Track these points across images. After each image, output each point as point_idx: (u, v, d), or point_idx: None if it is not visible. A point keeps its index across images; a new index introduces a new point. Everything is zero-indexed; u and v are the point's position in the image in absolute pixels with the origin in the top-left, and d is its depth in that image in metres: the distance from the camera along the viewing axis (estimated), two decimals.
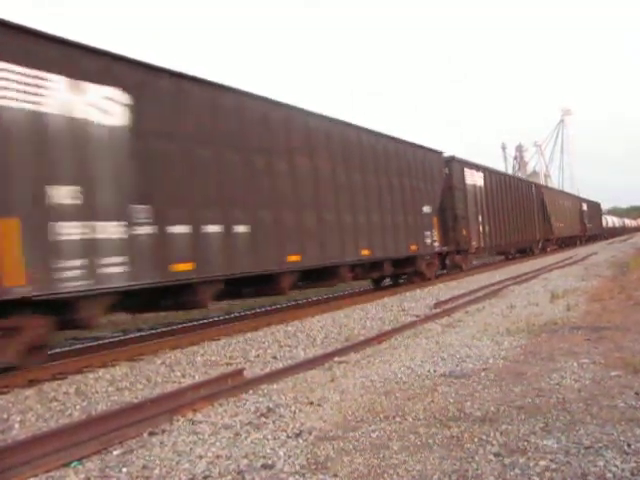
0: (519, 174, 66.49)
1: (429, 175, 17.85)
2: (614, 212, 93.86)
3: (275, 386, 5.96)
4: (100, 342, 10.05)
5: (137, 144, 8.07)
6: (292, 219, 11.21)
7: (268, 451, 4.04)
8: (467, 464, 3.55)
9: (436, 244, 17.84)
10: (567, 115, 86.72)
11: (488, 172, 24.37)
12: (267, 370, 6.84)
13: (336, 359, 7.11)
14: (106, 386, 6.75)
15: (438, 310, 11.24)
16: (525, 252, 30.84)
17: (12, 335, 6.72)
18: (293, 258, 11.19)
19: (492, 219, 23.30)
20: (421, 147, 17.86)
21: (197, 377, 6.89)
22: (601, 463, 3.40)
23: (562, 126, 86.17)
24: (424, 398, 5.08)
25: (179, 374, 7.18)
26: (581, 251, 32.89)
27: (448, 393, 5.18)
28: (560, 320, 8.71)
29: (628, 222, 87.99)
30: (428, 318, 10.12)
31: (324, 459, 3.82)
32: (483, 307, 11.36)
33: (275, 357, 7.85)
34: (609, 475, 3.25)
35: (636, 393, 4.73)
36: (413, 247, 16.32)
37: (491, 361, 6.33)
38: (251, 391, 5.79)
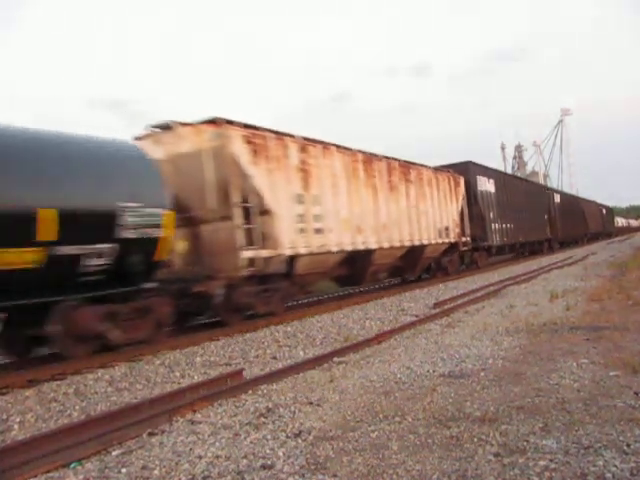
0: (518, 174, 66.56)
1: (543, 197, 36.42)
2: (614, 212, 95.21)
3: (274, 386, 5.97)
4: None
5: (497, 197, 25.49)
6: (522, 221, 28.76)
7: (267, 451, 4.04)
8: (466, 464, 3.55)
9: (548, 234, 35.40)
10: (566, 115, 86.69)
11: (561, 194, 44.65)
12: (266, 370, 6.84)
13: (335, 359, 7.11)
14: (105, 387, 6.75)
15: (437, 310, 11.24)
16: (576, 242, 46.30)
17: (467, 256, 22.57)
18: (520, 238, 28.40)
19: (562, 221, 39.31)
20: (542, 185, 43.93)
21: (196, 377, 6.89)
22: (600, 463, 3.40)
23: (561, 126, 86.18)
24: (423, 398, 5.08)
25: (178, 375, 7.18)
26: (581, 251, 32.99)
27: (447, 393, 5.18)
28: (559, 320, 8.71)
29: (632, 222, 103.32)
30: (427, 318, 10.12)
31: (323, 459, 3.82)
32: (482, 307, 11.36)
33: (274, 357, 7.85)
34: (608, 475, 3.25)
35: (635, 393, 4.72)
36: (542, 235, 34.00)
37: (490, 361, 6.33)
38: (250, 391, 5.79)
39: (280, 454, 3.96)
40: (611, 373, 5.41)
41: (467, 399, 4.94)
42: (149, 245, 8.76)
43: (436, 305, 12.04)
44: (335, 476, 3.54)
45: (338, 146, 13.93)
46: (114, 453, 4.26)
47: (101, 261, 8.13)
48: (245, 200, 10.74)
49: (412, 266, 17.83)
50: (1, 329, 7.87)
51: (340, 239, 13.29)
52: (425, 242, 17.56)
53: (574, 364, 5.87)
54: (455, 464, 3.56)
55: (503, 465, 3.49)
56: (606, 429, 3.95)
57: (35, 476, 3.89)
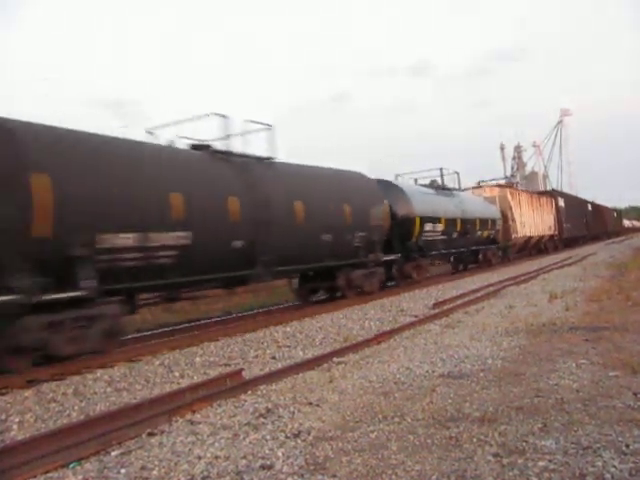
0: (517, 175, 66.51)
1: (583, 207, 49.92)
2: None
3: (274, 386, 5.97)
4: None
5: (565, 209, 40.73)
6: (575, 223, 43.77)
7: (267, 451, 4.05)
8: (466, 464, 3.55)
9: (585, 231, 47.57)
10: (566, 116, 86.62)
11: (592, 203, 56.20)
12: (266, 371, 6.84)
13: (335, 360, 7.11)
14: (104, 387, 6.74)
15: (437, 310, 11.24)
16: (599, 238, 57.40)
17: (553, 242, 38.46)
18: (573, 234, 43.24)
19: (592, 223, 51.88)
20: (583, 199, 54.10)
21: (196, 378, 6.89)
22: (599, 463, 3.41)
23: (561, 126, 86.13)
24: (423, 399, 5.08)
25: (178, 375, 7.18)
26: (581, 251, 33.05)
27: (447, 394, 5.18)
28: (559, 320, 8.72)
29: (636, 223, 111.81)
30: (427, 318, 10.12)
31: (323, 459, 3.82)
32: (482, 307, 11.36)
33: (274, 357, 7.85)
34: (607, 476, 3.26)
35: (634, 394, 4.73)
36: (582, 232, 46.87)
37: (490, 362, 6.33)
38: (250, 392, 5.79)
39: (279, 454, 3.96)
40: (610, 373, 5.42)
41: (466, 399, 4.94)
42: (498, 232, 25.50)
43: (435, 305, 12.04)
44: (334, 476, 3.54)
45: (525, 190, 38.35)
46: (113, 453, 4.26)
47: (492, 235, 24.86)
48: (511, 216, 27.45)
49: (536, 246, 34.49)
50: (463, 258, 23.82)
51: (527, 231, 30.19)
52: (543, 234, 34.40)
53: (573, 364, 5.87)
54: (454, 464, 3.57)
55: (502, 465, 3.50)
56: (605, 429, 3.95)
57: (34, 476, 3.89)
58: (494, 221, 24.98)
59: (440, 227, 19.05)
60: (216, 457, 4.01)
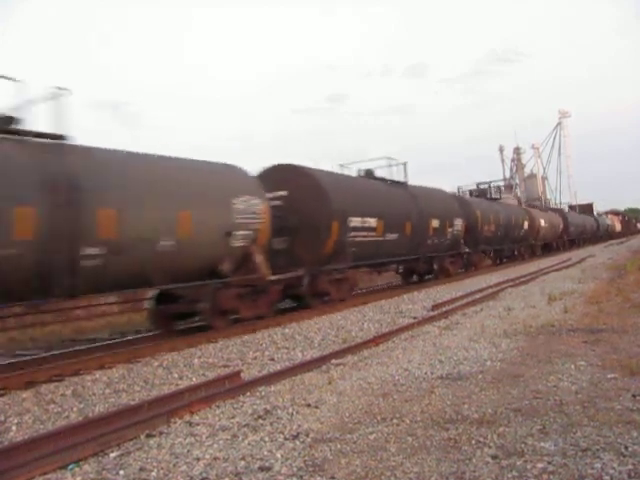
0: (516, 177, 66.56)
1: (626, 215, 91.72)
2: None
3: (272, 388, 5.96)
4: (97, 344, 10.04)
5: (621, 218, 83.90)
6: (627, 225, 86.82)
7: (265, 453, 4.04)
8: (464, 466, 3.55)
9: (627, 230, 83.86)
10: (565, 117, 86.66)
11: (628, 216, 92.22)
12: (264, 372, 6.83)
13: (333, 361, 7.11)
14: (103, 388, 6.74)
15: (435, 312, 11.24)
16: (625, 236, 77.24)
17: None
18: (621, 231, 78.86)
19: (629, 226, 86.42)
20: (624, 212, 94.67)
21: (194, 379, 6.89)
22: (598, 465, 3.41)
23: (559, 128, 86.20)
24: (421, 400, 5.08)
25: (176, 376, 7.17)
26: (580, 253, 33.08)
27: (445, 395, 5.18)
28: (557, 322, 8.72)
29: None
30: (425, 320, 10.12)
31: (321, 461, 3.82)
32: (481, 309, 11.36)
33: (272, 359, 7.84)
34: (606, 477, 3.26)
35: (633, 395, 4.73)
36: (627, 231, 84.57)
37: (488, 363, 6.33)
38: (248, 393, 5.79)
39: (278, 456, 3.96)
40: (609, 375, 5.42)
41: (465, 401, 4.94)
42: (615, 228, 75.61)
43: (434, 307, 12.04)
44: (333, 478, 3.54)
45: (614, 212, 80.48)
46: (112, 455, 4.26)
47: (612, 228, 71.47)
48: (613, 224, 71.43)
49: (617, 235, 68.99)
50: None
51: (616, 229, 71.37)
52: (617, 230, 72.50)
53: (572, 366, 5.88)
54: (453, 466, 3.57)
55: (501, 467, 3.50)
56: (604, 431, 3.96)
57: (33, 478, 3.89)
58: (610, 225, 60.99)
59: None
60: (215, 458, 4.01)
